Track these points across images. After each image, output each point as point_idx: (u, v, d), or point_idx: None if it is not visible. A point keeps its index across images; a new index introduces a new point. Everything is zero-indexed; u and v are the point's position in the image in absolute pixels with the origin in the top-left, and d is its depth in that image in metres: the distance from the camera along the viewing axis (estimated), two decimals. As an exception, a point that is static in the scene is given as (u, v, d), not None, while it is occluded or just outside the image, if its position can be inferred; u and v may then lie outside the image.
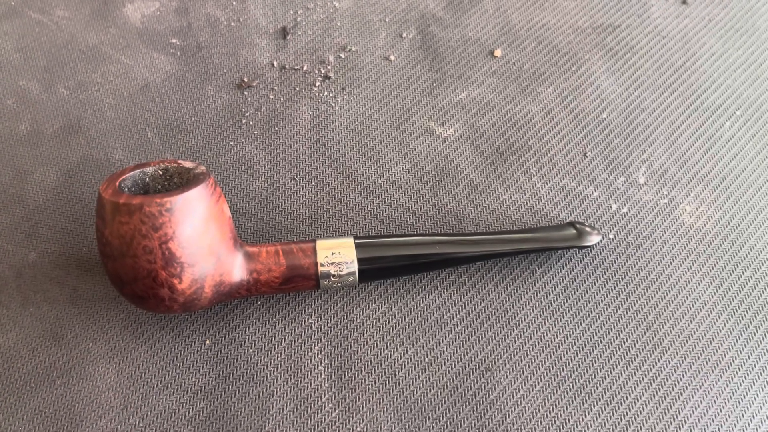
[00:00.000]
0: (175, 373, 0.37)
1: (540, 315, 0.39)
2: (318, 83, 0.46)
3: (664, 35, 0.49)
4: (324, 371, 0.37)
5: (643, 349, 0.38)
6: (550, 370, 0.37)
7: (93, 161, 0.43)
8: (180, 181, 0.36)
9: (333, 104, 0.46)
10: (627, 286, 0.39)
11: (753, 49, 0.48)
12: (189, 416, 0.36)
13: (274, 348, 0.38)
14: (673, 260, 0.40)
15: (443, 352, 0.38)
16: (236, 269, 0.34)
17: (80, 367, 0.37)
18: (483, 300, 0.39)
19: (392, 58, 0.48)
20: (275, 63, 0.47)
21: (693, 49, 0.48)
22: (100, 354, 0.37)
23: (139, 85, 0.46)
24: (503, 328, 0.38)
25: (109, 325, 0.38)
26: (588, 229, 0.39)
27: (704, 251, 0.41)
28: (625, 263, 0.40)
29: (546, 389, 0.37)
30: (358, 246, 0.36)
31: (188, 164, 0.36)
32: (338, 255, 0.36)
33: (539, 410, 0.36)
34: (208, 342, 0.38)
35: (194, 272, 0.32)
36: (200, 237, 0.32)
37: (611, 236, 0.41)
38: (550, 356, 0.37)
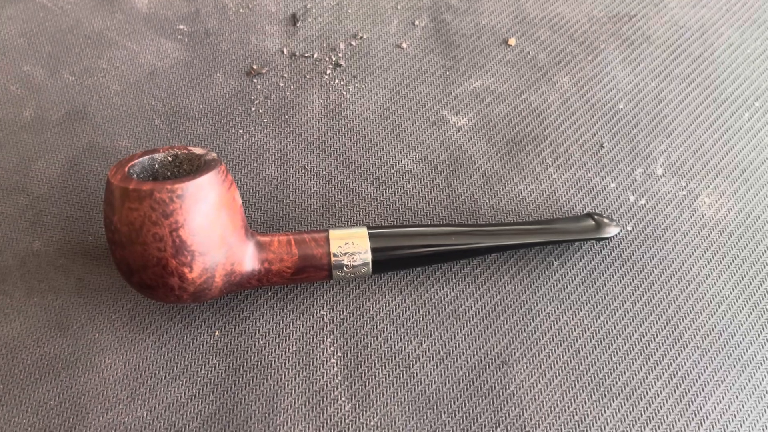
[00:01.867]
0: (183, 365, 0.36)
1: (557, 308, 0.38)
2: (329, 71, 0.45)
3: (680, 25, 0.48)
4: (336, 364, 0.36)
5: (663, 343, 0.37)
6: (568, 364, 0.36)
7: (99, 148, 0.42)
8: (190, 168, 0.35)
9: (344, 92, 0.45)
10: (646, 278, 0.39)
11: (772, 40, 0.48)
12: (198, 409, 0.35)
13: (286, 340, 0.37)
14: (693, 252, 0.39)
15: (458, 345, 0.37)
16: (247, 259, 0.34)
17: (86, 358, 0.36)
18: (499, 292, 0.38)
19: (404, 46, 0.47)
20: (285, 50, 0.46)
21: (710, 40, 0.48)
22: (106, 345, 0.36)
23: (146, 72, 0.45)
24: (520, 321, 0.37)
25: (116, 315, 0.37)
26: (606, 220, 0.38)
27: (724, 243, 0.40)
28: (643, 255, 0.39)
29: (564, 383, 0.36)
30: (371, 236, 0.35)
31: (198, 151, 0.35)
32: (351, 245, 0.35)
33: (557, 405, 0.35)
34: (217, 333, 0.37)
35: (205, 261, 0.31)
36: (211, 225, 0.31)
37: (629, 228, 0.40)
38: (568, 350, 0.36)
